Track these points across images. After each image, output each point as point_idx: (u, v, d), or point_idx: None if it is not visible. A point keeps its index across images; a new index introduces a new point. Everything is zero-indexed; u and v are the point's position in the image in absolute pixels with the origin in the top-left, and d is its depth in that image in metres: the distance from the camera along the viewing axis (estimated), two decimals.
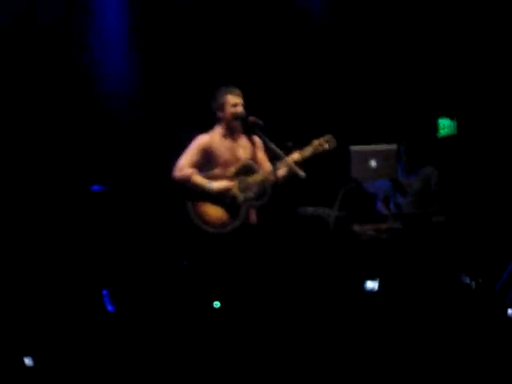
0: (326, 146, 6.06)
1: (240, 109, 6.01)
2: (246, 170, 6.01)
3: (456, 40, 7.59)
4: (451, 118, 7.03)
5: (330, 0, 7.78)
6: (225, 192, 5.92)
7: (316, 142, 6.06)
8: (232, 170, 5.98)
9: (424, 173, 6.89)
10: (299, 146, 6.01)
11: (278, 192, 6.04)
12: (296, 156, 5.96)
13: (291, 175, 5.95)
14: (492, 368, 5.05)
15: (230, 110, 6.00)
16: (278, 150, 5.95)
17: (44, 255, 6.81)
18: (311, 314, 6.02)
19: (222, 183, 5.93)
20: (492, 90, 7.51)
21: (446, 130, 7.02)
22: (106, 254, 6.89)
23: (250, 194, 5.97)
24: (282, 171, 5.97)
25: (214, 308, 5.91)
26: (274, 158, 6.00)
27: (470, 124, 7.38)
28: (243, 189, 5.96)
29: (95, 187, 7.03)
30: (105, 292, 6.47)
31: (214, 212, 5.91)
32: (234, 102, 6.00)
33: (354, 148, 6.30)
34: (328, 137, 6.08)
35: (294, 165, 5.91)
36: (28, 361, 5.13)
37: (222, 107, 6.01)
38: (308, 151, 6.01)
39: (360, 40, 7.73)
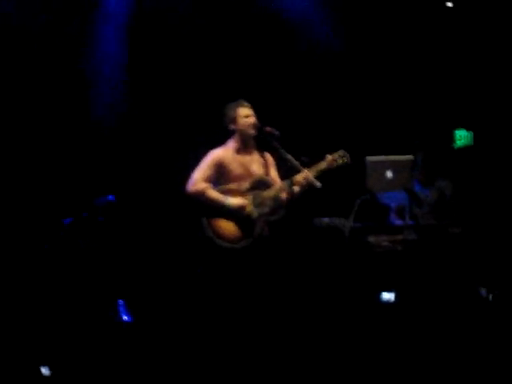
0: (340, 161, 6.08)
1: (253, 119, 6.03)
2: (261, 184, 6.00)
3: (472, 52, 7.59)
4: (467, 129, 7.01)
5: (342, 14, 7.78)
6: (240, 207, 5.91)
7: (330, 158, 6.07)
8: (246, 184, 5.97)
9: (439, 184, 6.87)
10: (314, 161, 6.01)
11: (293, 203, 6.03)
12: (311, 171, 5.96)
13: (306, 189, 5.96)
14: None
15: (242, 121, 6.01)
16: (294, 161, 5.96)
17: (60, 265, 6.84)
18: (327, 325, 6.02)
19: (238, 199, 5.92)
20: (508, 102, 7.50)
21: (462, 140, 7.00)
22: (121, 265, 6.92)
23: (265, 209, 5.96)
24: (297, 187, 5.97)
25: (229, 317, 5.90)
26: (289, 169, 6.01)
27: (486, 135, 7.37)
28: (258, 204, 5.95)
29: (110, 197, 7.05)
30: (121, 302, 6.48)
31: (228, 227, 5.89)
32: (245, 113, 6.02)
33: (369, 159, 6.28)
34: (342, 152, 6.10)
35: (310, 175, 5.92)
36: (45, 370, 5.14)
37: (234, 120, 6.03)
38: (322, 166, 6.03)
39: (376, 52, 7.74)
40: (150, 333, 6.07)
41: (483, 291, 6.24)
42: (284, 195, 5.99)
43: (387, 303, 6.20)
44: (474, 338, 5.70)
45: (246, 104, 6.06)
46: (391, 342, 5.72)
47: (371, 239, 6.30)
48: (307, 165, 5.99)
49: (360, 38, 7.76)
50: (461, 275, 6.25)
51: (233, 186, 5.97)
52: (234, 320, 5.84)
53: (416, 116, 7.69)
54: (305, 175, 5.93)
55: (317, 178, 5.97)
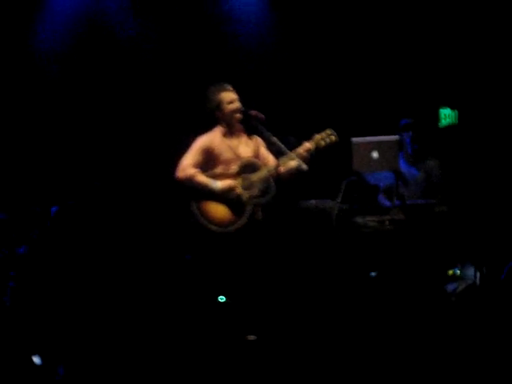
0: (328, 140, 6.05)
1: (238, 104, 5.99)
2: (249, 167, 5.99)
3: (456, 29, 7.58)
4: (452, 108, 7.01)
5: None
6: (229, 191, 5.90)
7: (318, 137, 6.04)
8: (235, 168, 5.96)
9: (427, 164, 6.87)
10: (301, 141, 6.00)
11: (280, 186, 6.04)
12: (301, 150, 5.95)
13: (295, 170, 5.95)
14: (495, 360, 5.08)
15: (227, 107, 5.97)
16: (280, 144, 5.94)
17: (51, 250, 6.83)
18: (316, 307, 6.04)
19: (226, 182, 5.91)
20: (492, 80, 7.50)
21: (447, 119, 7.00)
22: (110, 250, 6.92)
23: (255, 192, 5.95)
24: (284, 167, 5.96)
25: (219, 302, 5.91)
26: (276, 153, 6.00)
27: (472, 114, 7.38)
28: (247, 187, 5.94)
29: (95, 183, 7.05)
30: None
31: (219, 211, 5.89)
32: (229, 98, 5.97)
33: (355, 140, 6.29)
34: (330, 131, 6.06)
35: (296, 158, 5.90)
36: (36, 359, 5.14)
37: (218, 107, 5.98)
38: (310, 146, 6.00)
39: (360, 30, 7.72)
40: (144, 324, 6.07)
41: (470, 269, 6.28)
42: (273, 177, 5.97)
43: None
44: (461, 316, 5.73)
45: (229, 88, 6.00)
46: (379, 321, 5.75)
47: (359, 220, 6.31)
48: (295, 145, 5.98)
49: (344, 16, 7.73)
50: (448, 254, 6.28)
51: (222, 170, 5.96)
52: (227, 302, 5.85)
53: (401, 96, 7.68)
54: (291, 157, 5.92)
55: (306, 158, 5.95)
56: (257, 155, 6.08)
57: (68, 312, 6.12)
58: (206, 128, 6.06)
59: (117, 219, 7.15)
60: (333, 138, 6.05)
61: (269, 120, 6.02)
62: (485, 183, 7.13)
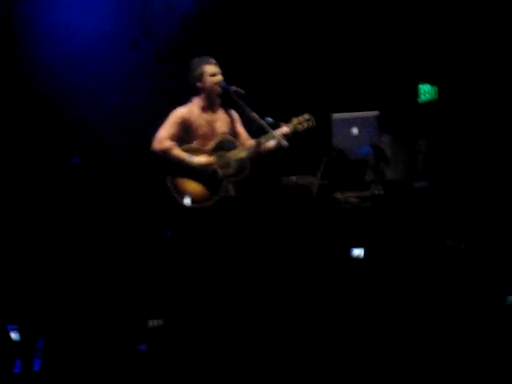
0: (306, 125, 6.08)
1: (220, 77, 5.98)
2: (225, 144, 5.98)
3: (434, 4, 7.59)
4: (432, 84, 7.01)
5: None
6: (205, 167, 5.89)
7: (295, 121, 6.07)
8: (211, 144, 5.95)
9: (415, 145, 6.83)
10: (279, 123, 6.01)
11: (261, 162, 6.03)
12: (278, 133, 5.95)
13: (274, 149, 5.97)
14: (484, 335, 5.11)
15: (209, 79, 5.97)
16: (260, 120, 5.94)
17: (23, 230, 6.79)
18: (296, 283, 6.04)
19: (202, 158, 5.90)
20: (471, 55, 7.51)
21: (426, 95, 7.01)
22: (87, 228, 6.88)
23: (230, 171, 5.95)
24: (264, 147, 5.97)
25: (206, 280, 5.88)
26: (257, 129, 6.00)
27: (451, 89, 7.39)
28: (223, 165, 5.94)
29: (75, 160, 7.00)
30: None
31: (193, 187, 5.88)
32: (212, 71, 5.97)
33: (335, 116, 6.30)
34: (307, 116, 6.10)
35: (276, 137, 5.91)
36: (14, 335, 5.11)
37: (200, 78, 5.97)
38: (287, 129, 6.03)
39: (339, 6, 7.71)
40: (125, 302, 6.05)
41: (449, 241, 6.30)
42: (249, 156, 5.97)
43: (357, 259, 6.24)
44: (443, 290, 5.75)
45: (212, 61, 6.00)
46: (362, 298, 5.76)
47: (339, 196, 6.32)
48: (272, 126, 5.98)
49: None
50: (428, 229, 6.29)
51: (198, 144, 5.96)
52: (203, 280, 5.84)
53: (380, 71, 7.69)
54: (270, 137, 5.93)
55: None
56: (233, 131, 6.07)
57: (46, 286, 6.09)
58: (183, 99, 6.03)
59: (93, 192, 7.10)
60: (310, 123, 6.09)
61: (248, 98, 5.99)
62: (466, 159, 7.16)
